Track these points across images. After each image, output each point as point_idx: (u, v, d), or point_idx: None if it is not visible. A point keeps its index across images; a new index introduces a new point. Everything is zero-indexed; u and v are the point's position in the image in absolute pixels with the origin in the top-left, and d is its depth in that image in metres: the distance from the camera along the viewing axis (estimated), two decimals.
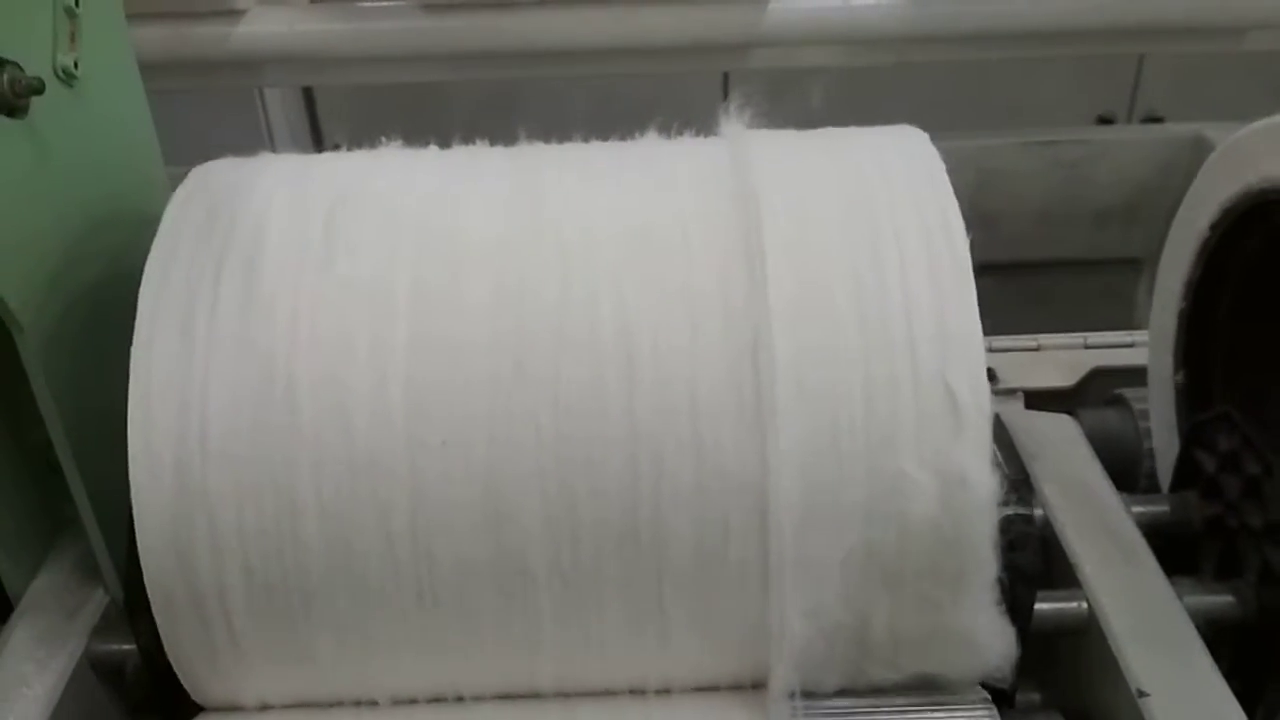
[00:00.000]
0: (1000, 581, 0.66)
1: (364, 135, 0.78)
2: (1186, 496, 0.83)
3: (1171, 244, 0.85)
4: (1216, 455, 0.80)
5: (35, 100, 0.69)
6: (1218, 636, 0.76)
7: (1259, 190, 0.77)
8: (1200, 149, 1.54)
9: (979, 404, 0.62)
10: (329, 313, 0.65)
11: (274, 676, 0.69)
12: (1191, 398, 0.87)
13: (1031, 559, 0.69)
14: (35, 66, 0.70)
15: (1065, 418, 0.91)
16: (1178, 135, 1.59)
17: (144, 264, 0.70)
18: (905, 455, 0.61)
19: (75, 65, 0.74)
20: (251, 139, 1.72)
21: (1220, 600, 0.77)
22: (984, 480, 0.62)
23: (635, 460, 0.62)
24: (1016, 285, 1.69)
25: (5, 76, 0.66)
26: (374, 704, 0.70)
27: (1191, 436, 0.83)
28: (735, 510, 0.62)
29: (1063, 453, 0.86)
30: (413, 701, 0.70)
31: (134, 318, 0.67)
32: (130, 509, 0.66)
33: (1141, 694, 0.68)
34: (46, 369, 0.71)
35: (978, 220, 1.83)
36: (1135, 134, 1.73)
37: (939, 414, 0.62)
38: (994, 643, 0.65)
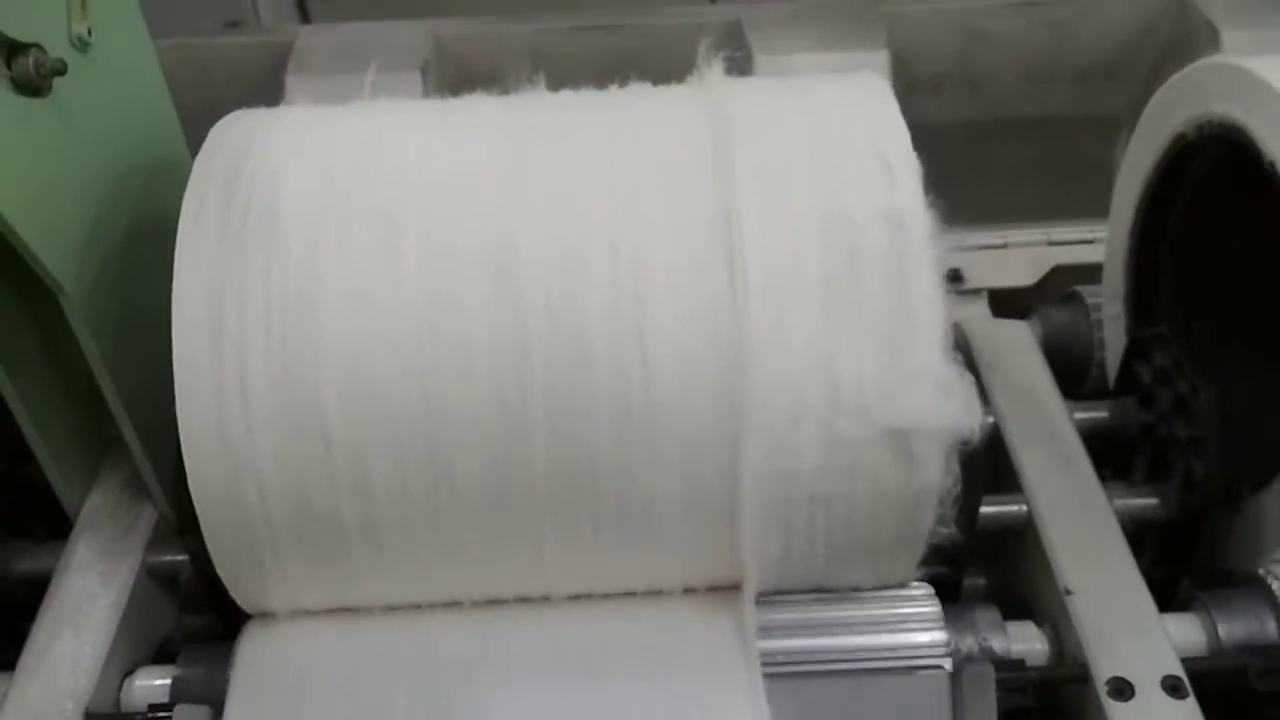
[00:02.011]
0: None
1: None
2: (1125, 403, 0.91)
3: (1125, 169, 0.91)
4: (1152, 369, 0.88)
5: None
6: (1144, 533, 0.87)
7: (1201, 124, 0.83)
8: (1182, 9, 1.55)
9: (909, 166, 0.72)
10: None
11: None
12: (1139, 308, 0.94)
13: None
14: (53, 41, 0.74)
15: (1021, 325, 0.98)
16: None
17: (166, 207, 0.76)
18: (850, 201, 0.71)
19: (89, 32, 0.78)
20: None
21: (1147, 503, 0.86)
22: (920, 222, 0.70)
23: (613, 200, 0.72)
24: (1000, 141, 1.73)
25: (30, 60, 0.71)
26: (399, 609, 0.80)
27: (1132, 348, 0.91)
28: (701, 237, 0.71)
29: (1015, 362, 0.94)
30: (432, 605, 0.80)
31: (163, 261, 0.73)
32: (172, 433, 0.72)
33: (1068, 591, 0.78)
34: (90, 323, 0.78)
35: (963, 81, 1.84)
36: None
37: (875, 173, 0.72)
38: (957, 387, 0.70)
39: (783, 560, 0.75)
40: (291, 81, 1.32)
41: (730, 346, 0.70)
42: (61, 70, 0.73)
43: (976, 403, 0.72)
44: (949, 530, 0.75)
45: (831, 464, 0.71)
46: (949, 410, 0.70)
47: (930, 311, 0.70)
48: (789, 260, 0.70)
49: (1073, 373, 1.02)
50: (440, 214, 0.73)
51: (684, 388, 0.70)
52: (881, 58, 1.35)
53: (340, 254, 0.72)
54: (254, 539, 0.75)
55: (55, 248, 0.74)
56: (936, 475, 0.72)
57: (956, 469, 0.72)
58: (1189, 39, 1.47)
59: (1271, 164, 0.76)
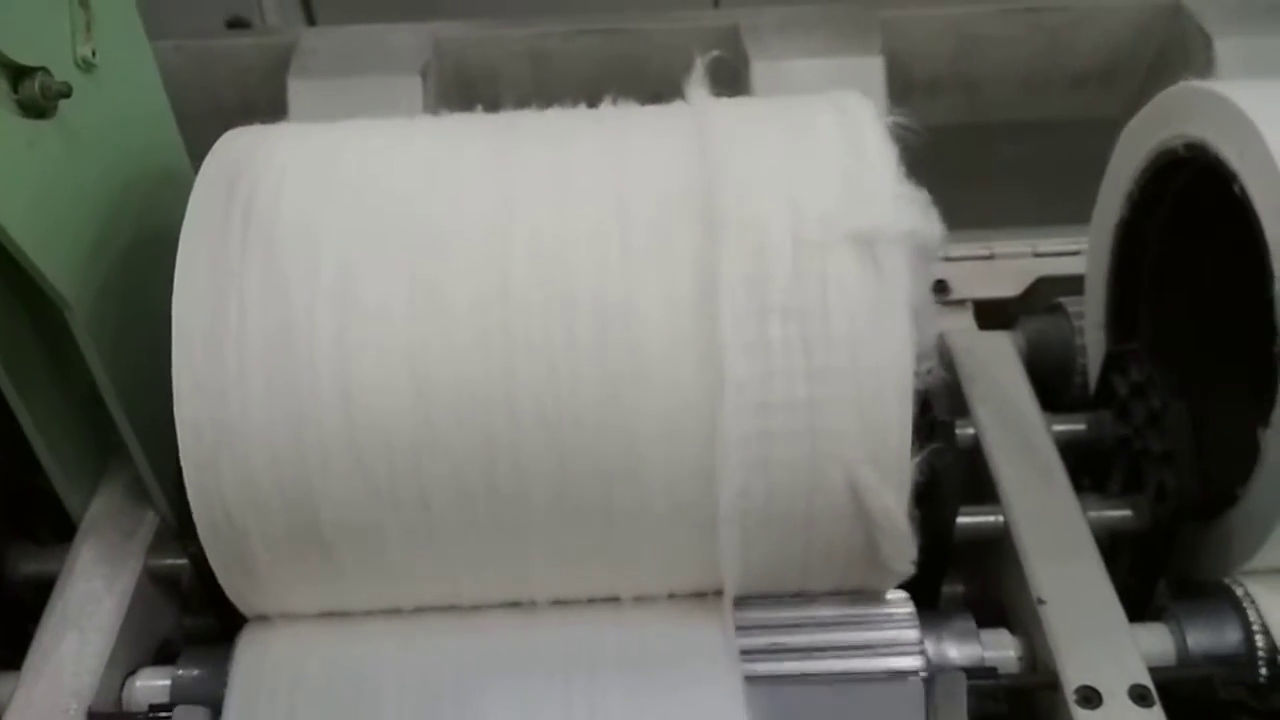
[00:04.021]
0: None
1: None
2: (1102, 416, 0.93)
3: (1103, 189, 0.93)
4: (1128, 383, 0.90)
5: None
6: (1119, 544, 0.89)
7: (1175, 147, 0.85)
8: (1176, 16, 1.57)
9: (862, 102, 0.81)
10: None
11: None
12: (1119, 322, 0.96)
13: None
14: (59, 63, 0.77)
15: (1003, 337, 1.01)
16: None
17: (167, 217, 0.78)
18: (815, 110, 0.81)
19: (93, 53, 0.80)
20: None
21: (1120, 514, 0.88)
22: (865, 110, 0.80)
23: (599, 131, 0.81)
24: (996, 145, 1.75)
25: (37, 83, 0.73)
26: (393, 614, 0.82)
27: (1109, 363, 0.93)
28: (675, 132, 0.79)
29: (996, 374, 0.96)
30: (422, 609, 0.82)
31: (165, 271, 0.75)
32: (172, 439, 0.74)
33: (1040, 601, 0.81)
34: (93, 334, 0.80)
35: (959, 85, 1.85)
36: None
37: (829, 104, 0.82)
38: (914, 199, 0.74)
39: (763, 393, 0.73)
40: (293, 84, 1.34)
41: (700, 185, 0.76)
42: (67, 93, 0.75)
43: (935, 215, 0.75)
44: (932, 366, 0.74)
45: (800, 268, 0.73)
46: (907, 215, 0.74)
47: (881, 154, 0.77)
48: (751, 132, 0.79)
49: (1055, 383, 1.04)
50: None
51: (660, 225, 0.75)
52: (877, 63, 1.37)
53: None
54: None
55: (59, 264, 0.76)
56: (905, 284, 0.73)
57: (929, 291, 0.75)
58: (1183, 45, 1.48)
59: (1240, 187, 0.78)
